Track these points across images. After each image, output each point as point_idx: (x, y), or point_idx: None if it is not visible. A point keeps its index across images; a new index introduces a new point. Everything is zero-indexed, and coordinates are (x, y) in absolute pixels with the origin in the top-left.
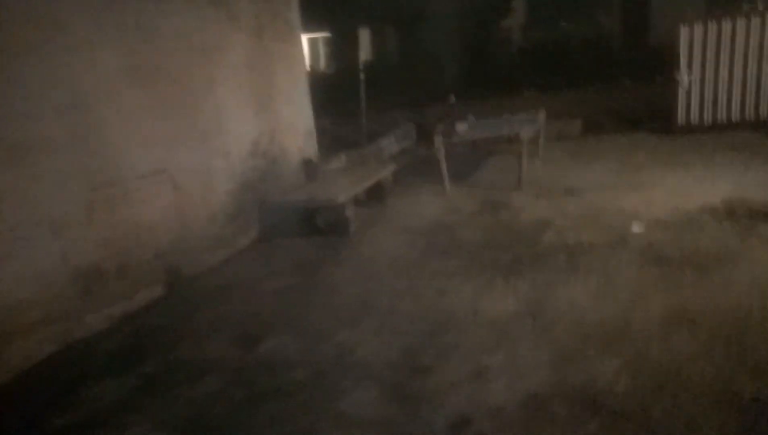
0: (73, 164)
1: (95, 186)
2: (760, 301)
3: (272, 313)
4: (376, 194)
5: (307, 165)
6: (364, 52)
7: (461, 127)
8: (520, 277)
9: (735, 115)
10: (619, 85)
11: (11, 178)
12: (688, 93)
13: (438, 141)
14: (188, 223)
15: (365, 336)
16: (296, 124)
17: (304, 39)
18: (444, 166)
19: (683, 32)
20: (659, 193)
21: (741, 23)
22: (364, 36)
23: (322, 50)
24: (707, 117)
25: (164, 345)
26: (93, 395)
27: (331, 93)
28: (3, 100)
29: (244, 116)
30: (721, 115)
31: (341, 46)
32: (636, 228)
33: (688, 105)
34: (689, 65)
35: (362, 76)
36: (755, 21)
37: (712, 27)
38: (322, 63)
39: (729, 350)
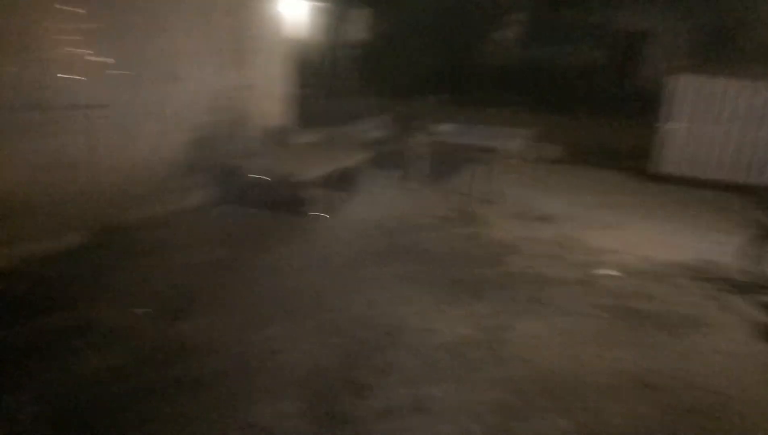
0: None
1: (19, 107)
2: (730, 381)
3: (204, 287)
4: (345, 179)
5: (277, 133)
6: (359, 29)
7: (444, 128)
8: (482, 300)
9: (712, 173)
10: (603, 118)
11: None
12: (672, 141)
13: (418, 138)
14: (132, 166)
15: (302, 333)
16: (270, 87)
17: (302, 2)
18: (419, 164)
19: (675, 80)
20: (632, 237)
21: (733, 82)
22: (360, 13)
23: (316, 19)
24: (686, 169)
25: (71, 300)
26: None
27: (319, 65)
28: None
29: (209, 64)
30: (700, 170)
31: (336, 19)
32: (606, 270)
33: (670, 153)
34: (677, 114)
35: (351, 54)
36: (746, 82)
37: (705, 80)
38: (315, 33)
39: (692, 431)
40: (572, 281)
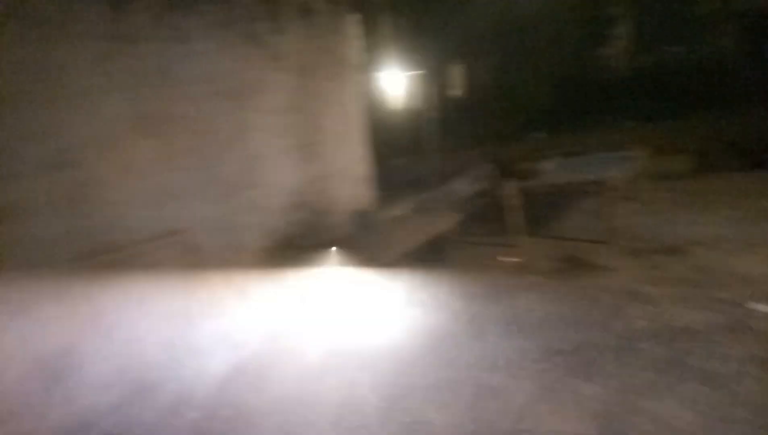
0: (61, 229)
1: (90, 253)
2: None
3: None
4: (435, 248)
5: (360, 215)
6: (456, 87)
7: (545, 167)
8: (592, 376)
9: None
10: (740, 112)
11: None
12: None
13: (510, 187)
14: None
15: None
16: (349, 171)
17: (403, 76)
18: (515, 215)
19: None
20: None
21: None
22: (456, 71)
23: (417, 87)
24: None
25: None
26: None
27: (418, 131)
28: None
29: (284, 165)
30: None
31: (433, 83)
32: (761, 305)
33: None
34: None
35: (433, 114)
36: None
37: None
38: (417, 100)
39: None
40: (715, 329)
